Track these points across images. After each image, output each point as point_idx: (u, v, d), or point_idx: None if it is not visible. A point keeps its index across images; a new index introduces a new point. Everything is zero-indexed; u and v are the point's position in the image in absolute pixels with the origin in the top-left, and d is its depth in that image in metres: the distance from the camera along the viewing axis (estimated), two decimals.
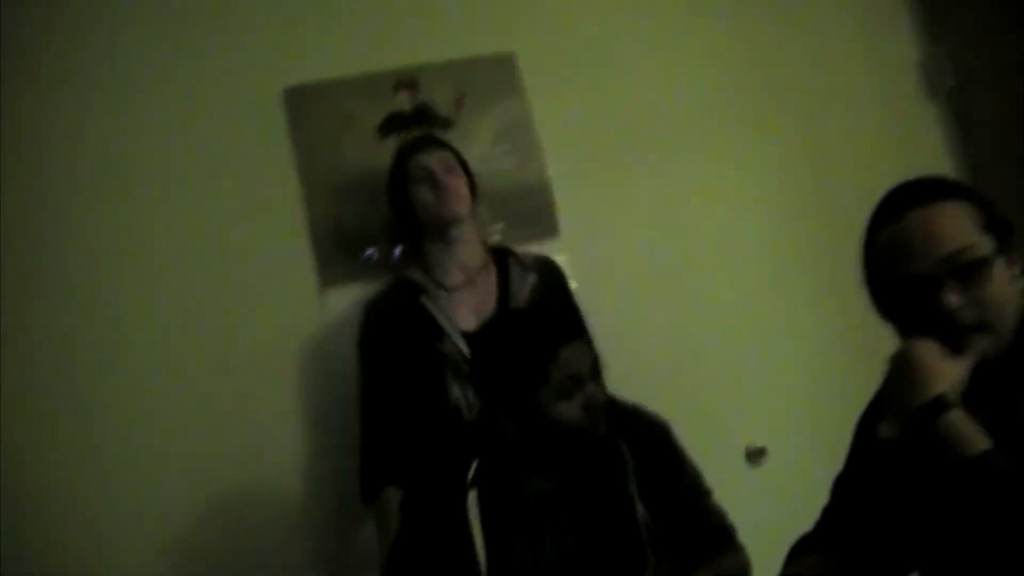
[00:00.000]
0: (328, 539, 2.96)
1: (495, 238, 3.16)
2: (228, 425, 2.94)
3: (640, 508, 2.08)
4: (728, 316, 3.35)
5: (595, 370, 2.14)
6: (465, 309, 2.78)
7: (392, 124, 3.16)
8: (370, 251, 3.02)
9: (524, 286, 2.80)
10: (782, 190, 3.47)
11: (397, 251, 3.04)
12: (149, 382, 2.92)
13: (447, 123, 3.20)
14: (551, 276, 2.89)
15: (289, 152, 3.07)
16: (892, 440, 1.68)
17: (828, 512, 1.92)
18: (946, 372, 1.60)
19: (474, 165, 3.10)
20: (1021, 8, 3.27)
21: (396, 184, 2.87)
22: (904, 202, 1.71)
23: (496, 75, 3.27)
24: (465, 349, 2.69)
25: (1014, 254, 1.69)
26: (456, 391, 2.67)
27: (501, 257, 2.90)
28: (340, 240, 3.06)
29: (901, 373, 1.64)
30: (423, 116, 3.19)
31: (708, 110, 3.44)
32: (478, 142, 3.20)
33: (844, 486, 1.91)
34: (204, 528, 2.90)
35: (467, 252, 2.86)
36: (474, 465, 2.12)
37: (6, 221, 2.87)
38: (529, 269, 2.86)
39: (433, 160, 2.84)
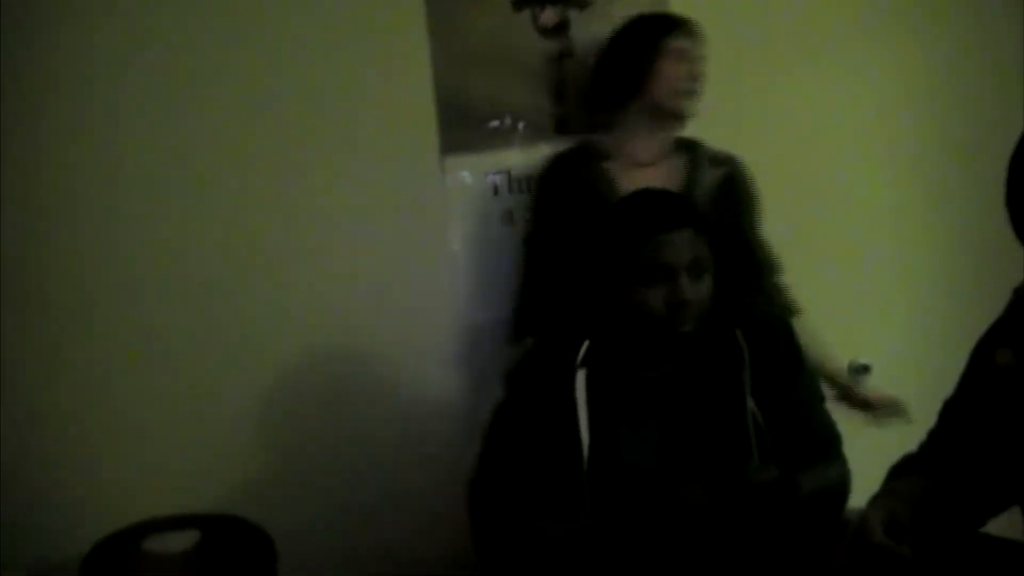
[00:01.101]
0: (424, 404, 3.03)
1: None
2: (336, 283, 3.00)
3: (751, 404, 2.06)
4: (847, 229, 3.30)
5: (696, 266, 2.05)
6: (648, 185, 2.75)
7: None
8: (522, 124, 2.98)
9: (709, 177, 2.79)
10: (916, 106, 3.38)
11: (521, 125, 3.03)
12: (253, 241, 2.96)
13: (583, 2, 3.14)
14: (738, 173, 2.86)
15: (422, 16, 3.03)
16: (1010, 367, 1.64)
17: (934, 435, 1.90)
18: None
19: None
20: None
21: (638, 52, 2.78)
22: None
23: None
24: None
25: None
26: None
27: (691, 147, 2.86)
28: (465, 108, 3.04)
29: None
30: None
31: (854, 15, 3.33)
32: (613, 24, 3.13)
33: (954, 410, 1.87)
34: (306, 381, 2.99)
35: (665, 139, 2.84)
36: (585, 345, 2.12)
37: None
38: (718, 163, 2.83)
39: (699, 50, 2.79)
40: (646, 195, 2.22)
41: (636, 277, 2.05)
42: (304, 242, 2.98)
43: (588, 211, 2.60)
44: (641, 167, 2.78)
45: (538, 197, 2.86)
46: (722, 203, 2.79)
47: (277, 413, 2.98)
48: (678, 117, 2.80)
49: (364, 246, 3.01)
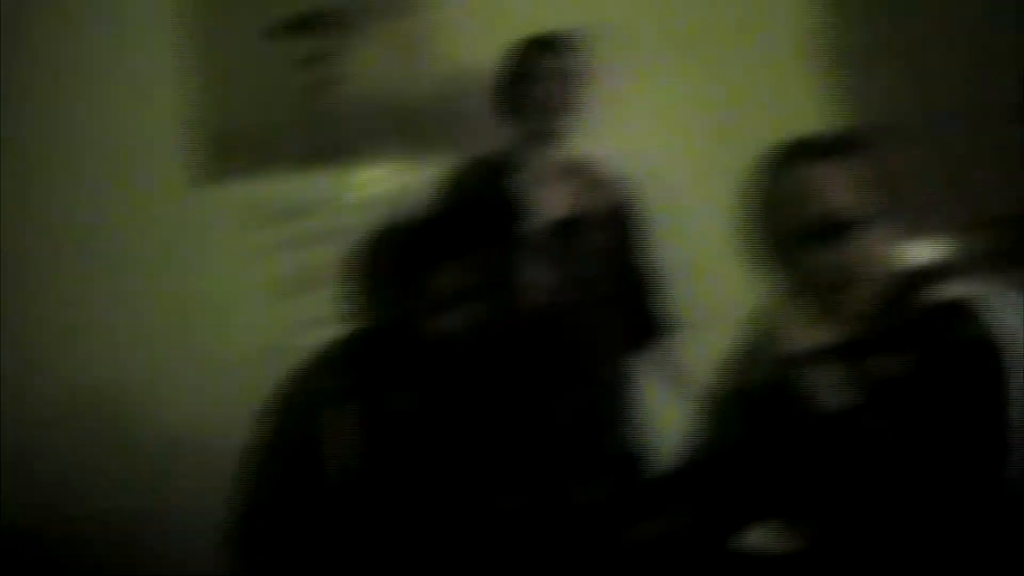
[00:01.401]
0: None
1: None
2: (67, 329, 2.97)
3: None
4: None
5: (478, 291, 2.10)
6: (546, 200, 2.75)
7: (289, 27, 3.05)
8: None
9: (600, 197, 2.80)
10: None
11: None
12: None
13: (342, 26, 3.10)
14: (628, 194, 2.85)
15: (176, 45, 3.00)
16: (753, 389, 1.69)
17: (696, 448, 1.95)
18: (811, 328, 1.61)
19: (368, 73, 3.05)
20: None
21: (512, 77, 2.78)
22: (808, 152, 1.68)
23: None
24: (546, 233, 2.72)
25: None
26: (531, 272, 2.69)
27: (584, 166, 2.83)
28: (223, 138, 3.02)
29: (764, 326, 1.66)
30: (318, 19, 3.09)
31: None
32: (388, 49, 3.15)
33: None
34: None
35: (554, 158, 2.80)
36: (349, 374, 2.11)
37: None
38: (609, 183, 2.83)
39: (574, 67, 2.75)
40: (410, 228, 2.25)
41: (425, 305, 2.08)
42: (46, 269, 2.97)
43: (499, 223, 2.66)
44: (538, 185, 2.77)
45: (444, 204, 2.78)
46: (611, 222, 2.82)
47: None
48: (557, 136, 2.79)
49: (108, 276, 2.98)
